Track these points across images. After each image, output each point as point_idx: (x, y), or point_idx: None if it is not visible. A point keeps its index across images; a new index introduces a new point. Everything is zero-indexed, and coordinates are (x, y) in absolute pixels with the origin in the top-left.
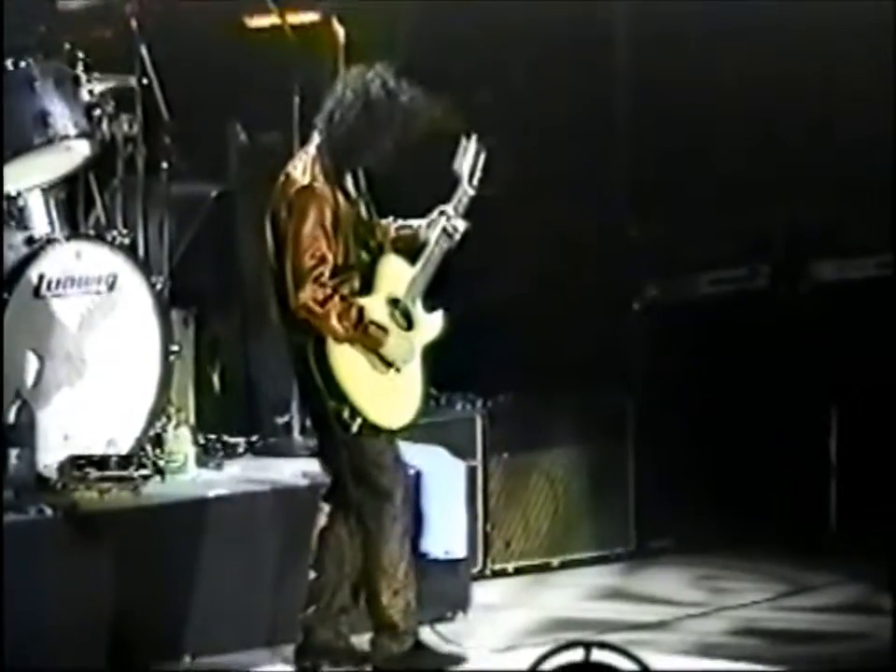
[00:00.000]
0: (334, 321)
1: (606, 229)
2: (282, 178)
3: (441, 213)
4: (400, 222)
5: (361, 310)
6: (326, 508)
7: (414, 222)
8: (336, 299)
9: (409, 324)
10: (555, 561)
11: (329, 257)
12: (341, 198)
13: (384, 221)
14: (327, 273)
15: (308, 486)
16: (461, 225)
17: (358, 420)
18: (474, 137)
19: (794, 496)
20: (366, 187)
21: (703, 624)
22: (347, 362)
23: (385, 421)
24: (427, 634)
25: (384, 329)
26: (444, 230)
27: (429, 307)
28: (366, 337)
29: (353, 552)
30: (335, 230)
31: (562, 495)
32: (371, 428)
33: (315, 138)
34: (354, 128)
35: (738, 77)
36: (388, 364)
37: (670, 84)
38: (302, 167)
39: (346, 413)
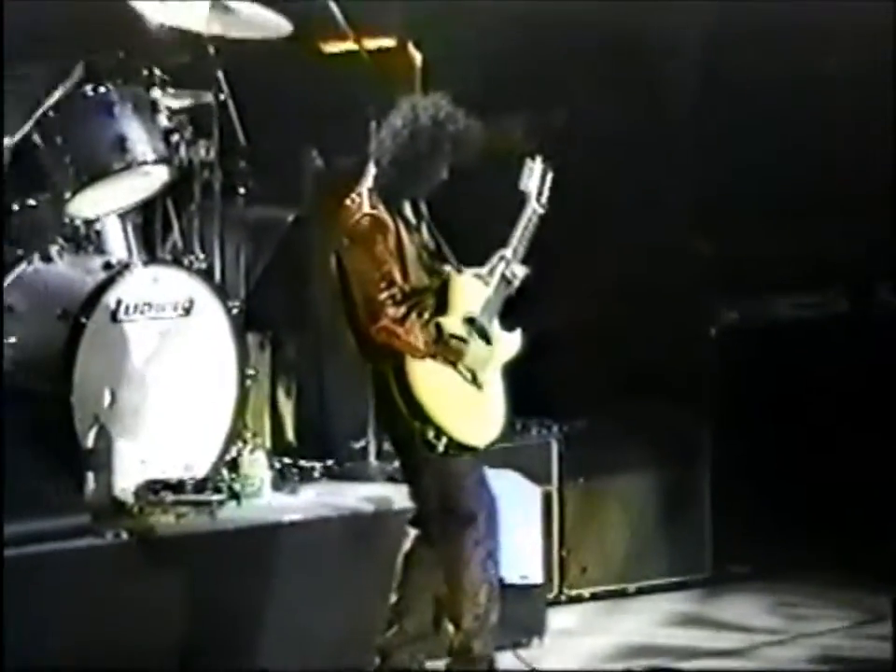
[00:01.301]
0: (414, 338)
1: (683, 253)
2: (342, 211)
3: (501, 258)
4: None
5: (439, 325)
6: (412, 532)
7: (477, 271)
8: (413, 316)
9: (486, 341)
10: (631, 587)
11: (399, 280)
12: (401, 225)
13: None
14: (399, 295)
15: (382, 511)
16: (520, 271)
17: (444, 440)
18: (539, 157)
19: (872, 522)
20: (428, 214)
21: (779, 652)
22: (429, 383)
23: (471, 439)
24: (506, 658)
25: (463, 341)
26: (504, 276)
27: (506, 327)
28: (447, 350)
29: (437, 577)
30: (400, 256)
31: (638, 520)
32: (456, 448)
33: (371, 168)
34: (400, 157)
35: (817, 91)
36: (473, 379)
37: (743, 103)
38: (361, 198)
39: (431, 434)
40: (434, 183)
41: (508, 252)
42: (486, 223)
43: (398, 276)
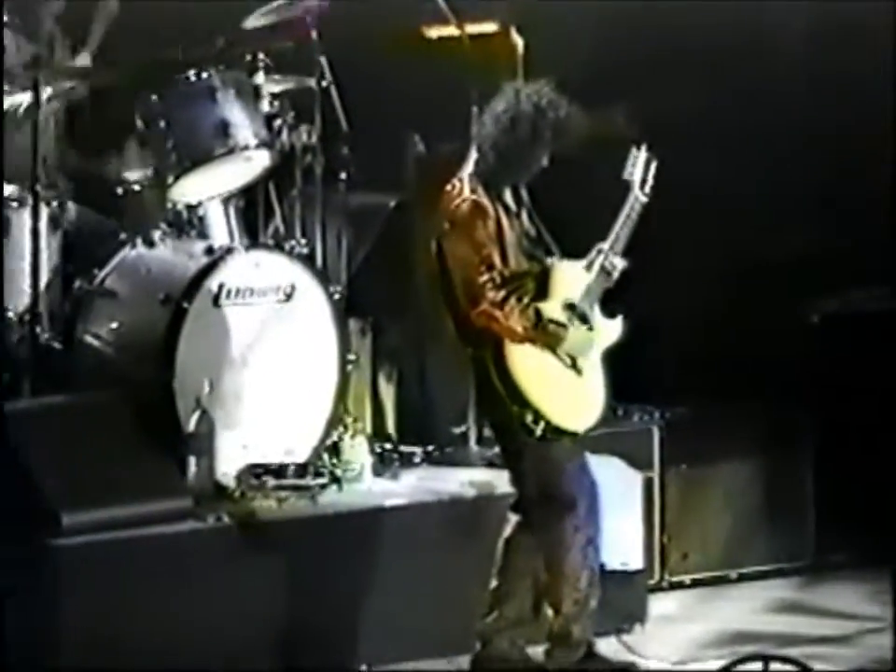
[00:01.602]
0: (513, 322)
1: (784, 240)
2: (444, 196)
3: (599, 251)
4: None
5: (538, 310)
6: (513, 518)
7: (576, 263)
8: (512, 300)
9: (587, 327)
10: (733, 573)
11: (499, 265)
12: (501, 211)
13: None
14: (499, 279)
15: (482, 496)
16: (619, 263)
17: (542, 424)
18: (644, 146)
19: None
20: (529, 200)
21: (879, 639)
22: (528, 367)
23: (569, 424)
24: (605, 644)
25: (562, 326)
26: (603, 268)
27: (608, 314)
28: (545, 335)
29: (537, 562)
30: (500, 242)
31: (739, 506)
32: (554, 432)
33: (473, 154)
34: (500, 143)
35: None
36: (573, 364)
37: (843, 92)
38: (462, 183)
39: (529, 418)
40: (534, 170)
41: (606, 245)
42: (588, 212)
43: (497, 261)
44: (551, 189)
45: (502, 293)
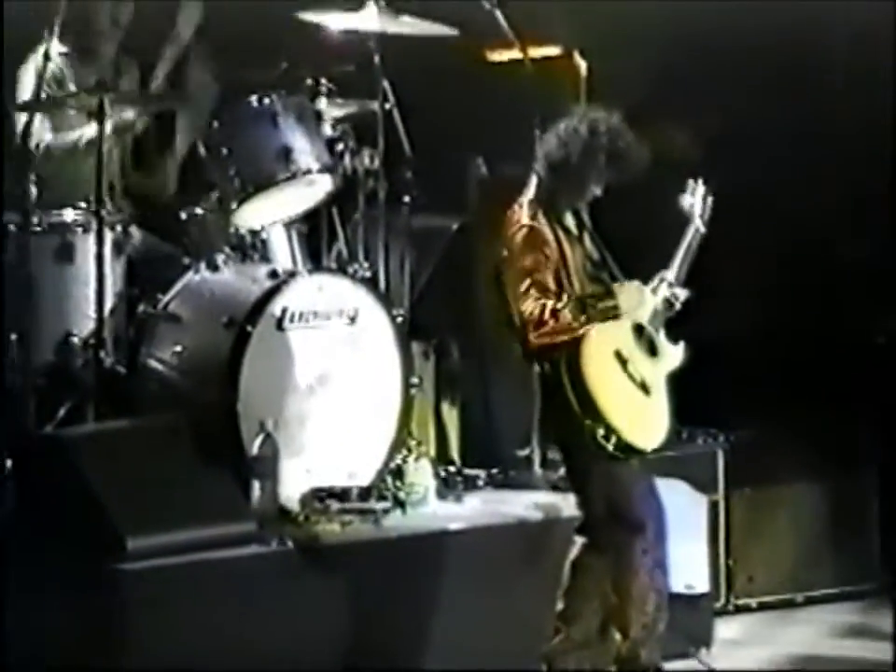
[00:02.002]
0: (569, 319)
1: (848, 259)
2: (505, 222)
3: (662, 280)
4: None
5: (579, 299)
6: (579, 540)
7: (638, 286)
8: (550, 303)
9: (653, 351)
10: (799, 596)
11: (552, 287)
12: (562, 235)
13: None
14: (550, 304)
15: (547, 519)
16: (682, 294)
17: (613, 439)
18: (701, 180)
19: None
20: (590, 224)
21: None
22: (601, 382)
23: (639, 441)
24: (674, 668)
25: (613, 307)
26: (666, 299)
27: (671, 338)
28: (599, 314)
29: (605, 585)
30: (559, 267)
31: (805, 529)
32: (625, 449)
33: (533, 178)
34: (563, 169)
35: None
36: (643, 385)
37: None
38: (522, 209)
39: (601, 432)
40: (589, 196)
41: (670, 274)
42: (649, 238)
43: (550, 284)
44: (612, 212)
45: (547, 310)
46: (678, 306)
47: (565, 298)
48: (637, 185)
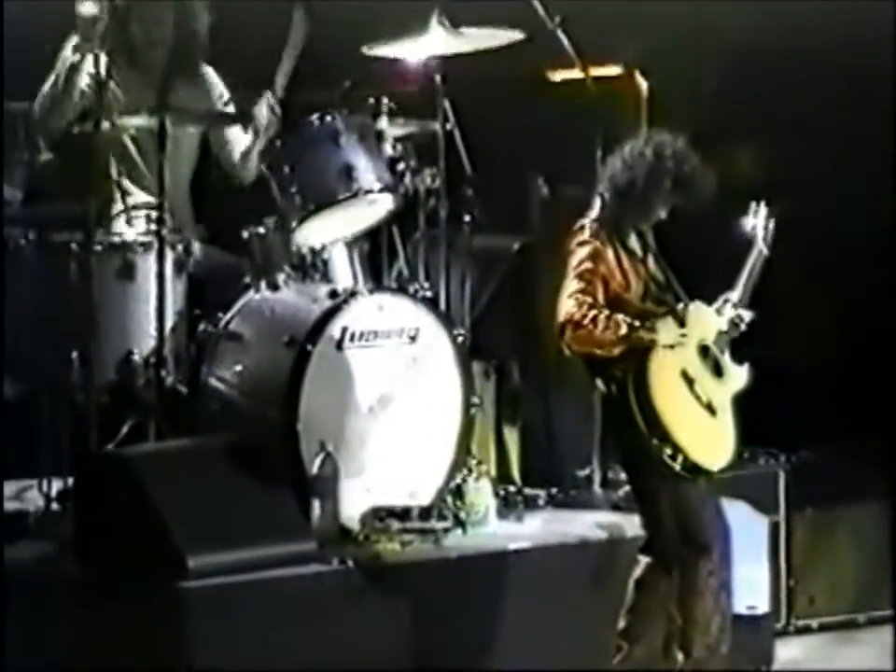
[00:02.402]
0: (601, 329)
1: None
2: (569, 240)
3: (726, 301)
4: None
5: (630, 323)
6: (643, 560)
7: (704, 306)
8: (591, 313)
9: (718, 372)
10: (861, 617)
11: (600, 300)
12: (623, 256)
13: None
14: (591, 297)
15: (613, 539)
16: (747, 316)
17: (681, 459)
18: (764, 202)
19: None
20: (655, 246)
21: None
22: (668, 400)
23: (705, 461)
24: None
25: (652, 329)
26: (731, 321)
27: (734, 359)
28: (636, 339)
29: (669, 605)
30: (626, 288)
31: (867, 550)
32: (692, 469)
33: (597, 200)
34: (627, 192)
35: None
36: (709, 405)
37: None
38: (584, 228)
39: (668, 452)
40: (653, 219)
41: (734, 295)
42: (713, 261)
43: (599, 296)
44: (676, 234)
45: (595, 310)
46: (742, 327)
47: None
48: (701, 211)
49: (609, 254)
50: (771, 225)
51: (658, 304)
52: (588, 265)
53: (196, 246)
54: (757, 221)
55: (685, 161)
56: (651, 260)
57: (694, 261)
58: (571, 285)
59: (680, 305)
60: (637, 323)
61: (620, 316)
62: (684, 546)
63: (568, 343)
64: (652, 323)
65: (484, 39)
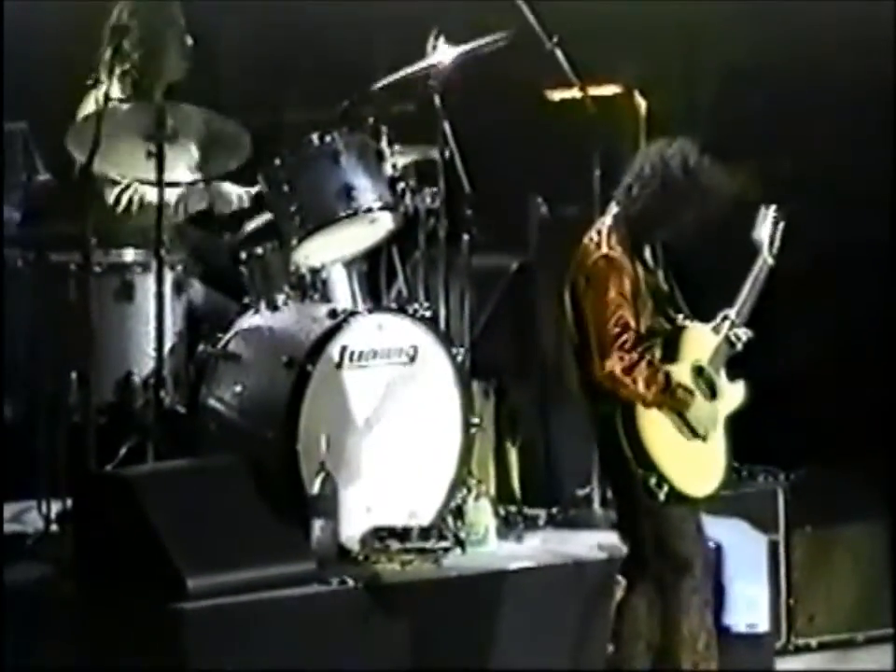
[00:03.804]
0: (642, 387)
1: None
2: (580, 250)
3: (724, 317)
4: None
5: (668, 374)
6: (622, 580)
7: (701, 326)
8: (642, 365)
9: (713, 392)
10: (860, 636)
11: (632, 324)
12: (639, 268)
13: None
14: (630, 341)
15: (608, 559)
16: (744, 334)
17: (665, 488)
18: (773, 206)
19: None
20: (664, 257)
21: None
22: (655, 430)
23: (691, 489)
24: None
25: (690, 392)
26: (728, 338)
27: (731, 377)
28: (674, 401)
29: (652, 624)
30: (635, 299)
31: (867, 568)
32: (677, 497)
33: (613, 209)
34: (650, 204)
35: None
36: (694, 432)
37: None
38: (599, 238)
39: (654, 482)
40: (677, 230)
41: (733, 312)
42: (716, 271)
43: (631, 321)
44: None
45: (633, 356)
46: (739, 347)
47: (654, 362)
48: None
49: (627, 263)
50: (778, 233)
51: (659, 316)
52: (616, 290)
53: (196, 287)
54: (762, 229)
55: (705, 168)
56: (660, 273)
57: (696, 274)
58: (605, 316)
59: (680, 317)
60: (675, 390)
61: (661, 376)
62: (666, 564)
63: (604, 378)
64: (691, 397)
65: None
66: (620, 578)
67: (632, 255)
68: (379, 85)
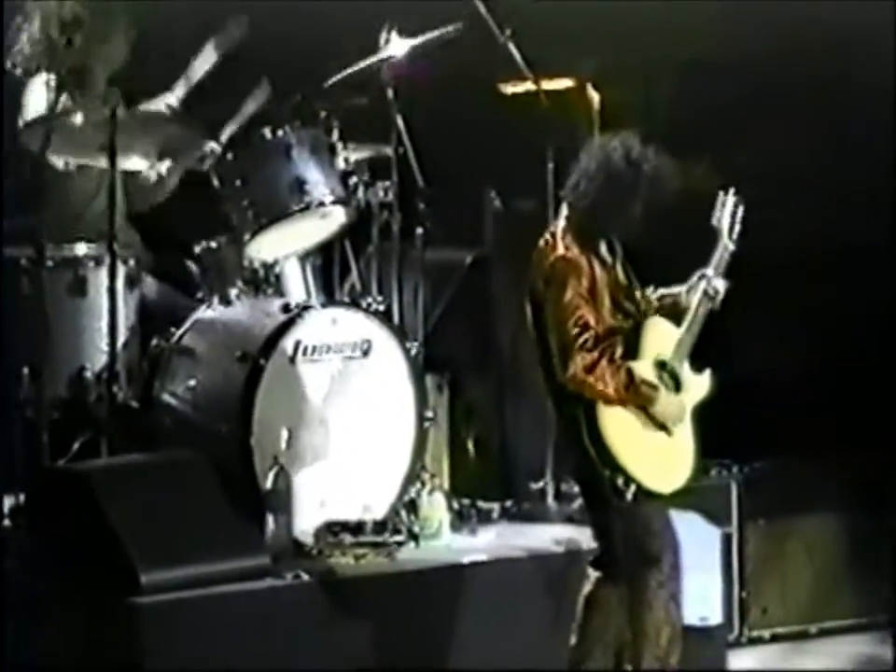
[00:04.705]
0: (604, 386)
1: (865, 293)
2: (536, 252)
3: (702, 276)
4: (661, 290)
5: (630, 370)
6: (593, 574)
7: (675, 289)
8: (603, 362)
9: (677, 385)
10: (813, 628)
11: (592, 323)
12: (596, 265)
13: (646, 291)
14: (591, 341)
15: (563, 553)
16: (721, 285)
17: (633, 487)
18: (731, 191)
19: None
20: (622, 251)
21: None
22: (620, 430)
23: (659, 486)
24: None
25: (654, 387)
26: (705, 292)
27: (695, 368)
28: (638, 397)
29: (618, 619)
30: (593, 297)
31: (820, 561)
32: (645, 495)
33: (564, 209)
34: (597, 199)
35: None
36: (661, 426)
37: None
38: (555, 239)
39: (621, 481)
40: (630, 223)
41: (709, 270)
42: (677, 258)
43: (591, 321)
44: (643, 240)
45: (594, 355)
46: (718, 299)
47: (615, 360)
48: (665, 210)
49: (583, 263)
50: (738, 218)
51: (622, 314)
52: (575, 291)
53: (149, 282)
54: (722, 215)
55: (649, 159)
56: (618, 267)
57: (657, 263)
58: (565, 319)
59: (647, 295)
60: (639, 386)
61: (623, 373)
62: (634, 558)
63: (568, 381)
64: (655, 392)
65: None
66: (591, 571)
67: (587, 253)
68: (332, 80)
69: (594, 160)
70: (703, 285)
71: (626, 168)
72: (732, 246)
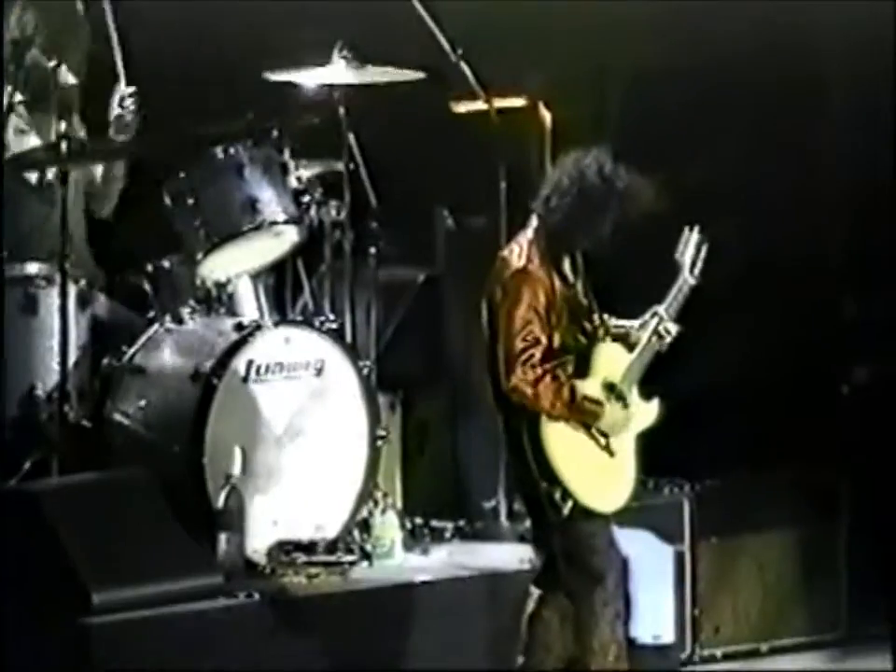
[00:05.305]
0: (546, 401)
1: (818, 310)
2: (498, 261)
3: (654, 314)
4: (614, 321)
5: (573, 388)
6: (535, 593)
7: (628, 322)
8: (547, 379)
9: (624, 408)
10: (765, 646)
11: (543, 339)
12: (557, 281)
13: (604, 315)
14: (538, 356)
15: (516, 571)
16: (673, 328)
17: (570, 503)
18: (697, 228)
19: None
20: (584, 270)
21: None
22: (561, 444)
23: (597, 504)
24: None
25: (598, 403)
26: (656, 331)
27: (644, 395)
28: (582, 414)
29: (563, 636)
30: (549, 313)
31: (772, 579)
32: (582, 512)
33: (533, 222)
34: (569, 214)
35: None
36: (605, 437)
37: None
38: (519, 250)
39: (558, 495)
40: (597, 239)
41: (662, 308)
42: (639, 282)
43: (541, 336)
44: (605, 259)
45: (538, 371)
46: (667, 341)
47: (559, 372)
48: (628, 232)
49: (543, 277)
50: (700, 255)
51: (579, 331)
52: (528, 304)
53: (101, 301)
54: (685, 250)
55: (621, 175)
56: (579, 286)
57: (618, 285)
58: (514, 330)
59: (601, 320)
60: (582, 403)
61: (566, 390)
62: (578, 577)
63: (509, 392)
64: (599, 409)
65: (383, 76)
66: (533, 589)
67: (550, 267)
68: (283, 97)
69: (566, 174)
70: (654, 322)
71: (600, 184)
72: (692, 281)
